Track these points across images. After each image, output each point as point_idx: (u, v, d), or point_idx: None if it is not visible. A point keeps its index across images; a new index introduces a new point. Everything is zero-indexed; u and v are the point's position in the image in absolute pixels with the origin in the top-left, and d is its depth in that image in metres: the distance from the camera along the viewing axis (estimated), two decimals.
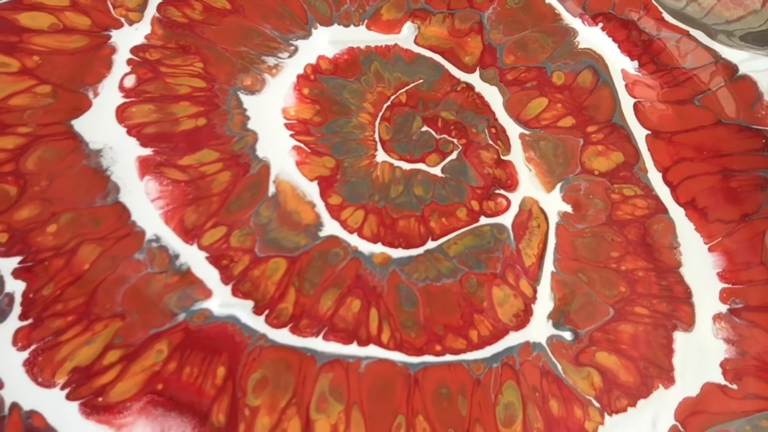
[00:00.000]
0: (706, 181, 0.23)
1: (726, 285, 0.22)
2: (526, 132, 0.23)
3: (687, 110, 0.24)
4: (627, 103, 0.24)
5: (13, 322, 0.19)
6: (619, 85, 0.24)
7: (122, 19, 0.22)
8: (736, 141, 0.24)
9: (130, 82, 0.21)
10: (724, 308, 0.22)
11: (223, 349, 0.19)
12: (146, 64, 0.22)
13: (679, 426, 0.21)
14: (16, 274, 0.19)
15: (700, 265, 0.22)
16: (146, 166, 0.21)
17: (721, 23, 0.26)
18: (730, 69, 0.25)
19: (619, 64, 0.24)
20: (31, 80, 0.21)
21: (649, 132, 0.24)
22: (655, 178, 0.23)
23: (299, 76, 0.22)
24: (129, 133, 0.21)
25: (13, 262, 0.19)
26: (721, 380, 0.21)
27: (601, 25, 0.25)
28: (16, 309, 0.19)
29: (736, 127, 0.24)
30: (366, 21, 0.23)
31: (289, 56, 0.23)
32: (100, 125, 0.21)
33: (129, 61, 0.22)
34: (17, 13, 0.22)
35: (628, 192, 0.23)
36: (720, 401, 0.21)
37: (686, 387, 0.21)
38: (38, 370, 0.18)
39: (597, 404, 0.20)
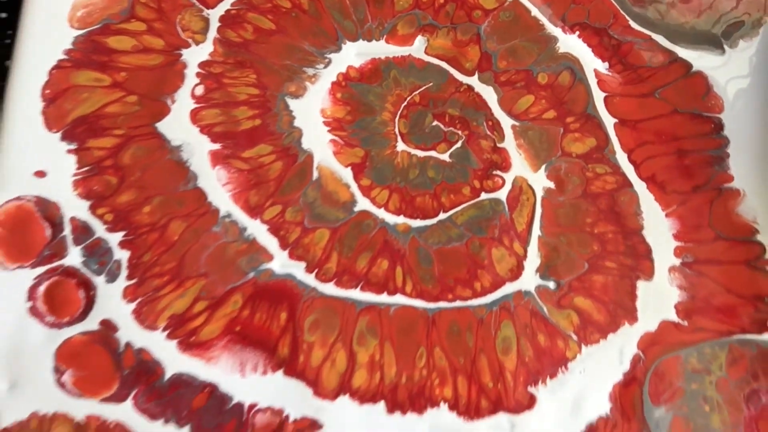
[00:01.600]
0: (664, 160, 0.29)
1: (679, 243, 0.28)
2: (517, 124, 0.28)
3: (649, 102, 0.30)
4: (599, 97, 0.29)
5: (122, 282, 0.24)
6: (593, 82, 0.29)
7: (190, 41, 0.27)
8: (690, 126, 0.30)
9: (199, 91, 0.27)
10: (677, 262, 0.27)
11: (284, 299, 0.25)
12: (211, 76, 0.27)
13: (641, 354, 0.26)
14: (122, 245, 0.25)
15: (658, 228, 0.28)
16: (217, 158, 0.26)
17: (677, 25, 0.31)
18: (686, 66, 0.30)
19: (592, 65, 0.30)
20: (121, 92, 0.26)
21: (617, 120, 0.29)
22: (621, 158, 0.29)
23: (333, 83, 0.28)
24: (201, 131, 0.26)
25: (119, 236, 0.25)
26: (675, 318, 0.27)
27: (577, 33, 0.30)
28: (123, 272, 0.24)
29: (689, 115, 0.30)
30: (385, 36, 0.29)
31: (325, 67, 0.28)
32: (179, 126, 0.26)
33: (198, 74, 0.27)
34: (106, 37, 0.27)
35: (599, 170, 0.28)
36: (673, 334, 0.27)
37: (647, 324, 0.27)
38: (143, 318, 0.24)
39: (575, 338, 0.26)
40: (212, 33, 0.27)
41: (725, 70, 0.31)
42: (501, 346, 0.25)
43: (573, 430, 0.25)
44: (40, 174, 0.25)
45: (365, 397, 0.24)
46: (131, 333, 0.24)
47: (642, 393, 0.26)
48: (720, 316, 0.27)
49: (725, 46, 0.31)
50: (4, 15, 0.28)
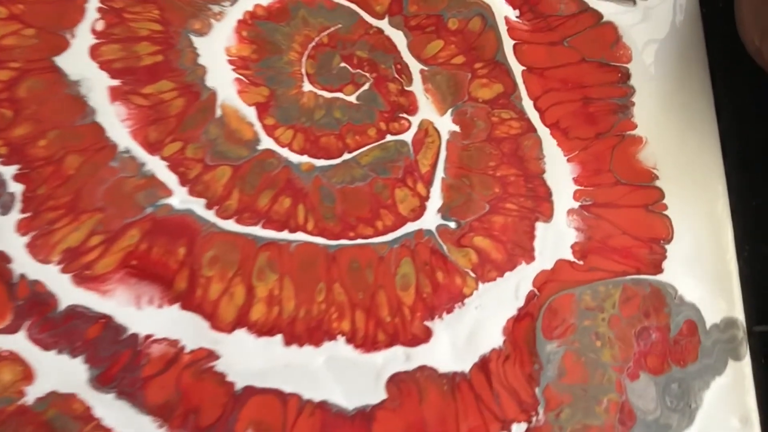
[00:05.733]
0: (569, 107, 0.29)
1: (579, 187, 0.29)
2: (425, 68, 0.29)
3: (557, 50, 0.30)
4: (508, 44, 0.30)
5: (16, 215, 0.24)
6: (503, 29, 0.30)
7: None
8: (597, 75, 0.30)
9: (100, 26, 0.26)
10: (576, 205, 0.28)
11: (183, 235, 0.25)
12: (112, 11, 0.26)
13: (536, 291, 0.27)
14: (16, 178, 0.24)
15: (559, 172, 0.29)
16: (116, 94, 0.26)
17: None
18: (596, 16, 0.31)
19: (503, 12, 0.30)
20: (18, 24, 0.26)
21: (525, 68, 0.29)
22: (527, 104, 0.29)
23: (239, 21, 0.27)
24: (101, 67, 0.26)
25: (13, 169, 0.24)
26: (571, 258, 0.28)
27: None
28: (18, 205, 0.24)
29: (597, 64, 0.30)
30: None
31: (231, 4, 0.28)
32: (78, 61, 0.26)
33: (99, 9, 0.26)
34: None
35: (505, 116, 0.29)
36: (568, 273, 0.27)
37: (543, 263, 0.27)
38: (37, 251, 0.24)
39: (473, 275, 0.27)
40: None
41: (635, 21, 0.31)
42: (400, 282, 0.26)
43: (466, 361, 0.26)
44: None
45: (263, 329, 0.25)
46: (25, 265, 0.24)
47: (535, 328, 0.27)
48: (615, 256, 0.28)
49: None
50: None
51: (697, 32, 0.32)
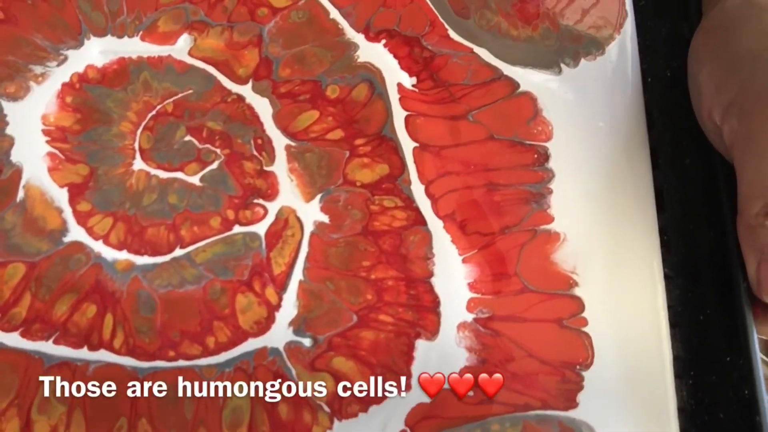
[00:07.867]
0: (469, 194, 0.24)
1: (475, 295, 0.23)
2: (293, 144, 0.24)
3: (460, 125, 0.25)
4: (399, 116, 0.25)
5: None
6: (394, 98, 0.25)
7: None
8: (507, 156, 0.25)
9: None
10: (470, 317, 0.23)
11: None
12: None
13: (408, 430, 0.21)
14: None
15: (451, 276, 0.23)
16: None
17: (506, 38, 0.27)
18: (511, 86, 0.26)
19: (396, 78, 0.25)
20: None
21: (417, 145, 0.25)
22: (417, 190, 0.24)
23: (64, 84, 0.23)
24: None
25: None
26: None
27: (384, 41, 0.26)
28: None
29: (508, 142, 0.25)
30: (141, 32, 0.24)
31: (58, 65, 0.23)
32: None
33: None
34: None
35: (388, 203, 0.24)
36: (453, 407, 0.22)
37: (422, 393, 0.22)
38: None
39: (327, 409, 0.21)
40: None
41: (560, 93, 0.26)
42: (229, 419, 0.20)
43: None
44: None
45: None
46: None
47: None
48: (516, 385, 0.22)
49: (562, 65, 0.27)
50: None
51: (638, 107, 0.27)
